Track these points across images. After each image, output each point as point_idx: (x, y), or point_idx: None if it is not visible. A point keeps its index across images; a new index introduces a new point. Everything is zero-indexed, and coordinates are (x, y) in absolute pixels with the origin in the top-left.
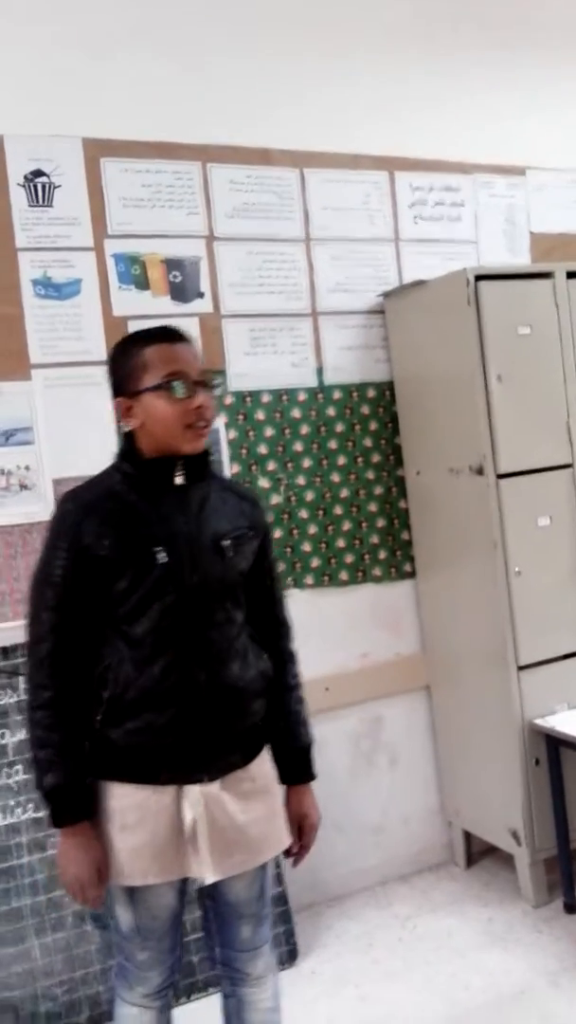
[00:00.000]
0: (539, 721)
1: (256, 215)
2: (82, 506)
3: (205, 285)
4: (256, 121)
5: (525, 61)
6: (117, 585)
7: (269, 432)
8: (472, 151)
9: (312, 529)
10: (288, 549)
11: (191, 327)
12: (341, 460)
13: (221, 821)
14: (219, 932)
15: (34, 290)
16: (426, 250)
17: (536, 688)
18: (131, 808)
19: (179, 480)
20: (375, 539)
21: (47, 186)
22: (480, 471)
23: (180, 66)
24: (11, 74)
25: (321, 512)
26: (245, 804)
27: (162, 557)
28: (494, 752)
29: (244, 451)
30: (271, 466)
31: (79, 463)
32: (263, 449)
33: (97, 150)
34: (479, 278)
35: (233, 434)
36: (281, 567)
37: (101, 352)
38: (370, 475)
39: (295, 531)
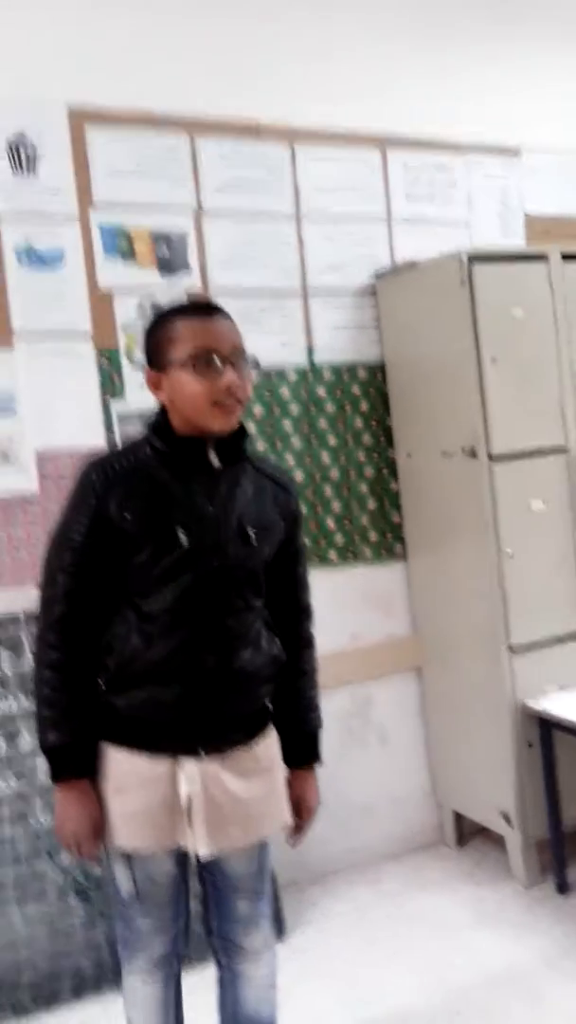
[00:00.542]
0: (531, 703)
1: (246, 190)
2: (110, 476)
3: (193, 259)
4: (246, 95)
5: (521, 40)
6: (136, 559)
7: (258, 411)
8: (466, 130)
9: (302, 509)
10: None
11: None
12: (331, 440)
13: (218, 797)
14: (217, 906)
15: (16, 259)
16: (418, 230)
17: (528, 670)
18: (127, 774)
19: (214, 462)
20: (365, 520)
21: (31, 154)
22: (473, 454)
23: (170, 35)
24: None
25: (311, 492)
26: (245, 782)
27: (184, 539)
28: (486, 734)
29: None
30: (260, 446)
31: (61, 434)
32: (251, 428)
33: (83, 117)
34: (473, 259)
35: None
36: None
37: (86, 323)
38: (361, 456)
39: None
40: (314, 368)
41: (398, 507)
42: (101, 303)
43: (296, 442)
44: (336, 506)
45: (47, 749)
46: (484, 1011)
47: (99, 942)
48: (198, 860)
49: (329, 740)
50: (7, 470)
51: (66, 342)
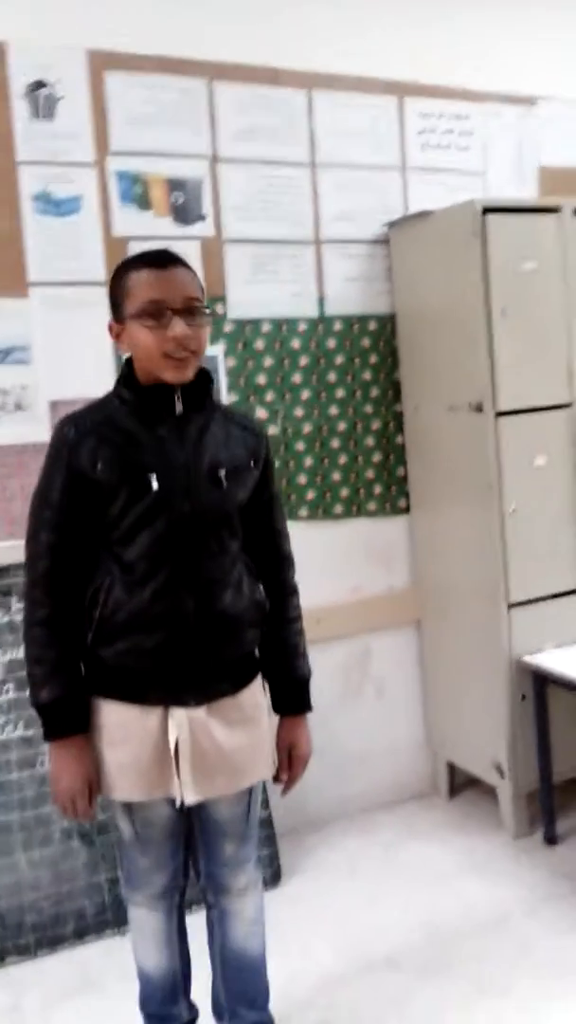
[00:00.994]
0: (527, 658)
1: (262, 137)
2: (80, 429)
3: (208, 208)
4: (265, 40)
5: None
6: (111, 509)
7: (268, 362)
8: (484, 79)
9: (308, 461)
10: (283, 481)
11: (192, 251)
12: (340, 393)
13: (204, 744)
14: (204, 847)
15: (34, 205)
16: (432, 179)
17: (526, 626)
18: (118, 725)
19: (179, 408)
20: (371, 474)
21: (50, 98)
22: (479, 408)
23: None
24: None
25: (318, 445)
26: (230, 731)
27: (155, 484)
28: (481, 687)
29: (242, 380)
30: (269, 396)
31: (75, 384)
32: (261, 379)
33: (102, 62)
34: (487, 211)
35: (232, 362)
36: None
37: (100, 272)
38: (368, 409)
39: (291, 463)
40: (324, 319)
41: (403, 461)
42: (116, 251)
43: (305, 394)
44: (343, 459)
45: (40, 707)
46: (472, 956)
47: (101, 885)
48: (184, 805)
49: (327, 690)
50: (22, 419)
51: (81, 290)
